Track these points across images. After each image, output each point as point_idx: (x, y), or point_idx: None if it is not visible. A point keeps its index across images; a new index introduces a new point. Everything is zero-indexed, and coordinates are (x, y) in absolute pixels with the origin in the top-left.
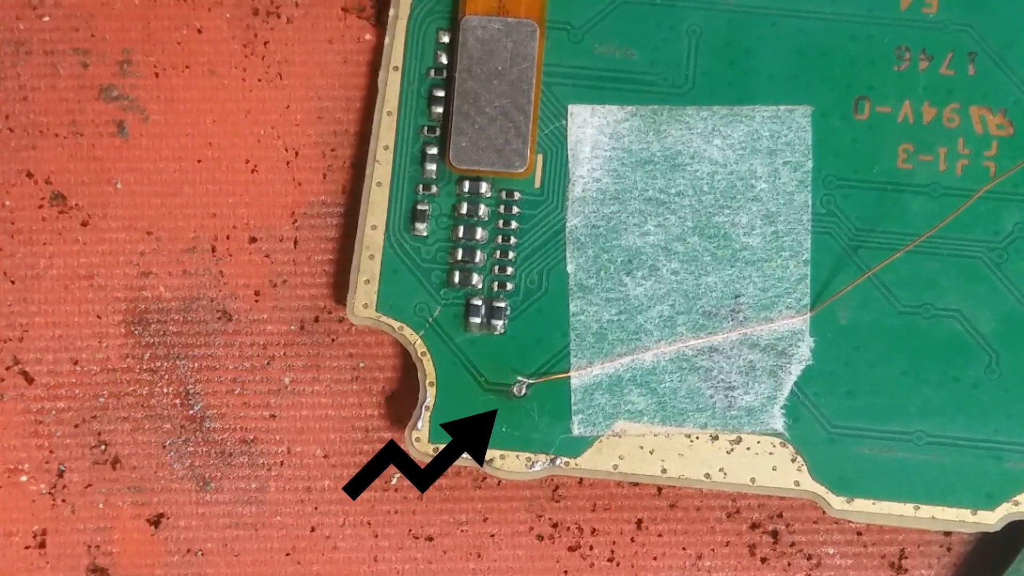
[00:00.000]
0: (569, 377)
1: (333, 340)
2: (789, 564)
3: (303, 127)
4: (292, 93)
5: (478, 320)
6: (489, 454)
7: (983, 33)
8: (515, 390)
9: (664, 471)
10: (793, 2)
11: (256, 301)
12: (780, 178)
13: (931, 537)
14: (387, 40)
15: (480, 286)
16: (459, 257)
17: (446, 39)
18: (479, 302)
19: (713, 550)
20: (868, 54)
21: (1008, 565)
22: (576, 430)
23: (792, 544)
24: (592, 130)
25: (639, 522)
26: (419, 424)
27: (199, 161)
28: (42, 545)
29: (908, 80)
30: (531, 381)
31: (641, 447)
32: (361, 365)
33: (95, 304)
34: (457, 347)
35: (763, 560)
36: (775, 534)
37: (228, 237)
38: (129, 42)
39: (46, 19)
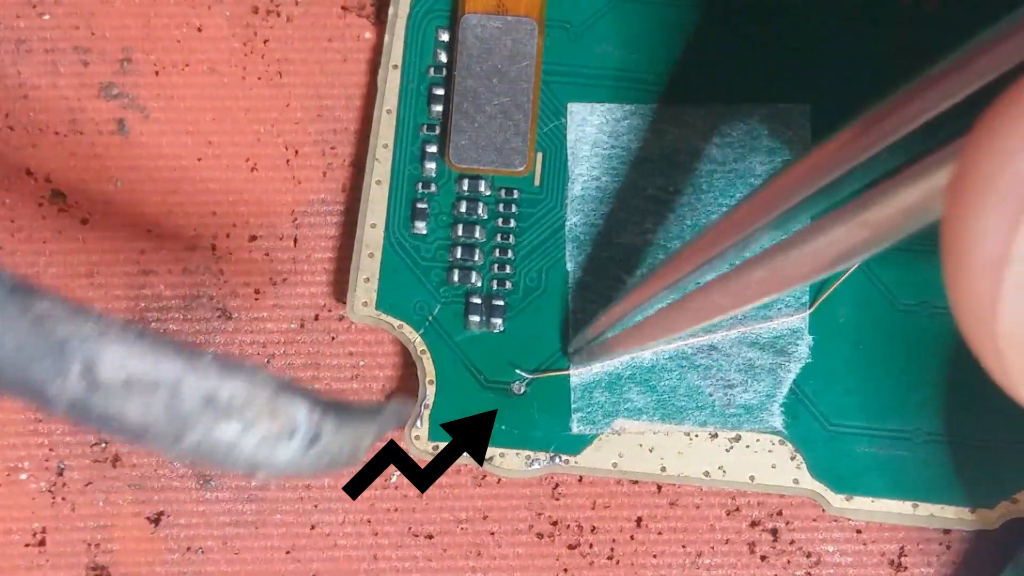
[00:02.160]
0: (568, 375)
1: (333, 338)
2: (789, 562)
3: (303, 125)
4: (292, 91)
5: (477, 318)
6: (489, 452)
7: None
8: (514, 388)
9: (663, 469)
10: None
11: (256, 299)
12: None
13: (930, 535)
14: (386, 38)
15: (479, 284)
16: (458, 256)
17: (445, 37)
18: (478, 300)
19: (713, 548)
20: (868, 50)
21: (1007, 562)
22: (575, 428)
23: (792, 542)
24: (592, 128)
25: (639, 520)
26: (419, 423)
27: (199, 159)
28: (42, 543)
29: (908, 77)
30: (530, 377)
31: (640, 445)
32: (361, 364)
33: (95, 302)
34: (456, 345)
35: (763, 558)
36: (775, 532)
37: (228, 235)
38: (129, 40)
39: (46, 17)
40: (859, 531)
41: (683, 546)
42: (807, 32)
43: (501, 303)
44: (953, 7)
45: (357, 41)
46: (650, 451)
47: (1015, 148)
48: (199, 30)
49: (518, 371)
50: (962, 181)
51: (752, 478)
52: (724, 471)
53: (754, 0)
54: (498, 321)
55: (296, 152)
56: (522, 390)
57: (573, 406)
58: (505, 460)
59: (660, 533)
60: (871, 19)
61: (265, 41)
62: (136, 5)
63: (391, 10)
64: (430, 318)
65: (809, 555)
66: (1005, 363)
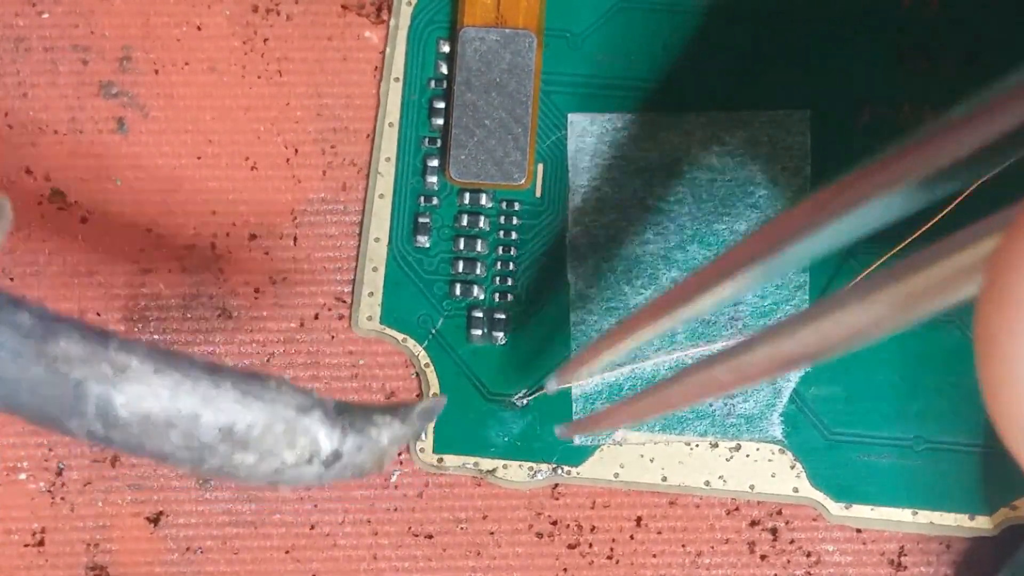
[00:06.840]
0: (570, 386)
1: (333, 337)
2: (788, 561)
3: (303, 124)
4: (292, 90)
5: (480, 332)
6: (492, 464)
7: (985, 32)
8: (517, 400)
9: (664, 479)
10: (791, 4)
11: (256, 298)
12: (779, 184)
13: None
14: (387, 51)
15: (481, 297)
16: (460, 269)
17: (447, 48)
18: (480, 314)
19: (713, 547)
20: (868, 55)
21: (1006, 561)
22: (578, 439)
23: (792, 541)
24: (591, 139)
25: (639, 519)
26: (423, 435)
27: (199, 158)
28: (41, 543)
29: (908, 81)
30: (529, 398)
31: (641, 455)
32: (360, 362)
33: (95, 301)
34: (460, 358)
35: (762, 557)
36: (774, 531)
37: (228, 234)
38: (129, 39)
39: (45, 16)
40: (859, 530)
41: (683, 545)
42: (806, 38)
43: (503, 316)
44: (954, 9)
45: (357, 40)
46: (651, 461)
47: None
48: (199, 29)
49: (519, 393)
50: (994, 301)
51: (752, 487)
52: (724, 480)
53: (752, 7)
54: (500, 334)
55: (296, 151)
56: (524, 402)
57: (575, 417)
58: (508, 471)
59: (660, 532)
60: (871, 23)
61: (265, 40)
62: (135, 3)
63: (392, 22)
64: (433, 331)
65: (809, 554)
66: None
